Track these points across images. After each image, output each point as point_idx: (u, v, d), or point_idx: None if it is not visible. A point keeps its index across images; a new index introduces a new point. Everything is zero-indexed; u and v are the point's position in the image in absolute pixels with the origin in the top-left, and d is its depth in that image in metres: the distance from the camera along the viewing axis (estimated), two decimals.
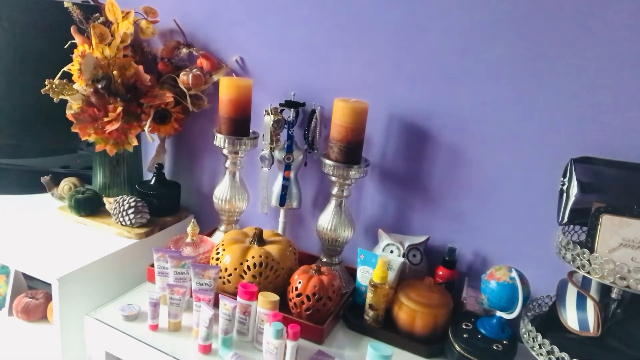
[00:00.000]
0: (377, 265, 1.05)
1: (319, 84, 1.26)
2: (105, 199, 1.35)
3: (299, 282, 1.02)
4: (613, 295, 0.86)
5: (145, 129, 1.28)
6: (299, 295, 1.02)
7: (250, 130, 1.27)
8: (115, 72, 1.25)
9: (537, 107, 1.04)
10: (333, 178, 1.14)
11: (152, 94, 1.29)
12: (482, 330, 0.98)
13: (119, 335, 1.01)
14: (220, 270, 1.08)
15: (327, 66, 1.24)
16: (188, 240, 1.18)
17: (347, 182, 1.14)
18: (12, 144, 1.45)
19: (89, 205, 1.33)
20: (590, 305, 0.86)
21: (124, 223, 1.29)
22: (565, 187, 0.91)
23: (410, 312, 1.02)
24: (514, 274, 0.94)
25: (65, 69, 1.24)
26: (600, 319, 0.84)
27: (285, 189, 1.26)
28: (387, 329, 1.06)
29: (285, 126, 1.23)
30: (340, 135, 1.10)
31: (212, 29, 1.37)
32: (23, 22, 1.32)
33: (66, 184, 1.44)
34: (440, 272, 1.15)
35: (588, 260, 0.79)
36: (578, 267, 0.81)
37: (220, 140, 1.23)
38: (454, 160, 1.15)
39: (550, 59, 1.00)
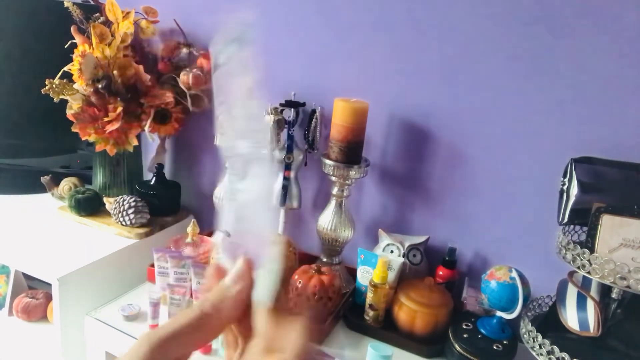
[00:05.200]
0: (377, 265, 1.05)
1: (319, 84, 1.26)
2: (105, 199, 1.35)
3: (299, 282, 1.02)
4: (613, 295, 0.86)
5: (146, 129, 1.28)
6: (299, 295, 1.02)
7: None
8: (115, 72, 1.25)
9: (537, 107, 1.04)
10: (333, 178, 1.14)
11: (152, 94, 1.29)
12: (482, 330, 0.98)
13: (119, 335, 1.01)
14: None
15: (327, 66, 1.24)
16: (188, 240, 1.17)
17: (347, 182, 1.14)
18: (12, 144, 1.45)
19: (89, 205, 1.33)
20: (590, 305, 0.86)
21: (124, 223, 1.29)
22: (565, 187, 0.91)
23: (411, 312, 1.02)
24: (514, 274, 0.94)
25: (65, 69, 1.24)
26: (601, 319, 0.84)
27: (285, 189, 1.26)
28: (387, 329, 1.06)
29: (286, 126, 1.23)
30: (340, 135, 1.10)
31: (212, 28, 1.37)
32: (23, 22, 1.32)
33: (66, 184, 1.44)
34: (441, 272, 1.15)
35: (588, 260, 0.79)
36: (578, 267, 0.81)
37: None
38: (454, 160, 1.15)
39: (550, 58, 1.00)
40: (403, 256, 1.13)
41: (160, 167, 1.40)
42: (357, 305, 1.13)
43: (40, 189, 1.47)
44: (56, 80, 1.20)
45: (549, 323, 0.91)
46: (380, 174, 1.25)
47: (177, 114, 1.37)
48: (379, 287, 1.04)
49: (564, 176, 0.92)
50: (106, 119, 1.23)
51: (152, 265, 1.12)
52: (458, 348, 0.96)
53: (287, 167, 1.25)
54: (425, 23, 1.10)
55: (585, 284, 0.90)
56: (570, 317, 0.87)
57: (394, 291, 1.08)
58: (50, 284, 1.07)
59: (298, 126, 1.28)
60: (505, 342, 0.96)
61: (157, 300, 1.01)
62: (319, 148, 1.27)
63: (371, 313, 1.06)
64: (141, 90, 1.29)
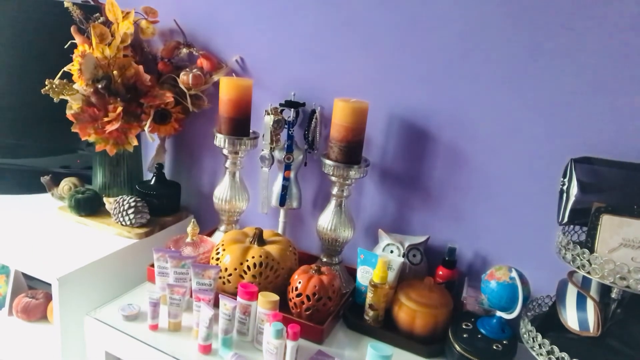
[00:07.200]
0: (377, 265, 1.05)
1: (319, 84, 1.26)
2: (105, 199, 1.35)
3: (299, 282, 1.02)
4: (613, 295, 0.86)
5: (145, 129, 1.28)
6: (299, 295, 1.02)
7: (251, 130, 1.27)
8: (115, 72, 1.25)
9: (537, 107, 1.04)
10: (333, 178, 1.14)
11: (152, 94, 1.29)
12: (482, 330, 0.98)
13: (119, 335, 1.01)
14: (220, 270, 1.08)
15: (327, 66, 1.24)
16: (188, 240, 1.17)
17: (347, 182, 1.14)
18: (12, 144, 1.45)
19: (89, 205, 1.33)
20: (590, 305, 0.86)
21: (124, 223, 1.29)
22: (565, 187, 0.91)
23: (410, 312, 1.02)
24: (514, 274, 0.94)
25: (65, 69, 1.24)
26: (600, 319, 0.84)
27: (285, 189, 1.26)
28: (387, 329, 1.06)
29: (286, 126, 1.23)
30: (340, 135, 1.10)
31: (212, 29, 1.37)
32: (23, 22, 1.32)
33: (66, 184, 1.44)
34: (440, 272, 1.15)
35: (588, 260, 0.79)
36: (578, 267, 0.81)
37: (220, 140, 1.23)
38: (454, 160, 1.15)
39: (550, 58, 1.00)
40: (403, 256, 1.13)
41: (160, 167, 1.40)
42: (357, 305, 1.13)
43: (40, 189, 1.47)
44: (56, 80, 1.20)
45: (549, 323, 0.91)
46: (380, 174, 1.25)
47: (177, 114, 1.37)
48: (379, 287, 1.04)
49: (564, 176, 0.92)
50: (106, 119, 1.23)
51: (152, 265, 1.13)
52: (458, 348, 0.96)
53: (287, 167, 1.25)
54: (425, 23, 1.10)
55: (585, 284, 0.90)
56: (570, 317, 0.88)
57: (393, 291, 1.08)
58: (50, 284, 1.07)
59: (298, 126, 1.28)
60: (505, 342, 0.96)
61: (156, 300, 1.01)
62: (319, 148, 1.27)
63: (371, 313, 1.06)
64: (141, 90, 1.29)
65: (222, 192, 1.29)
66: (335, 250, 1.21)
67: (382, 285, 1.04)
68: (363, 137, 1.13)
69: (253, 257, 1.07)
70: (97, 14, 1.31)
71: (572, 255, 0.82)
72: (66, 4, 1.26)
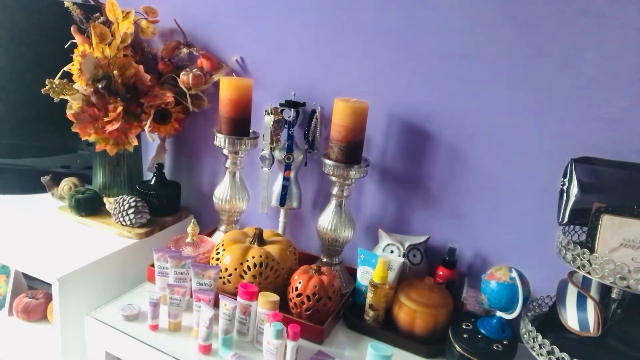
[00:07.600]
0: (377, 265, 1.05)
1: (319, 84, 1.26)
2: (105, 199, 1.35)
3: (299, 282, 1.02)
4: (613, 296, 0.86)
5: (146, 128, 1.28)
6: (299, 295, 1.02)
7: (251, 130, 1.27)
8: (115, 72, 1.25)
9: (537, 107, 1.04)
10: (333, 178, 1.14)
11: (152, 94, 1.29)
12: (482, 330, 0.98)
13: (119, 335, 1.01)
14: (220, 270, 1.08)
15: (327, 66, 1.24)
16: (188, 240, 1.17)
17: (347, 182, 1.14)
18: (12, 144, 1.45)
19: (89, 205, 1.33)
20: (590, 305, 0.86)
21: (124, 223, 1.29)
22: (565, 187, 0.91)
23: (410, 312, 1.02)
24: (514, 274, 0.94)
25: (65, 68, 1.24)
26: (601, 319, 0.84)
27: (285, 189, 1.26)
28: (387, 329, 1.06)
29: (286, 126, 1.23)
30: (340, 135, 1.10)
31: (212, 28, 1.37)
32: (23, 22, 1.32)
33: (66, 184, 1.44)
34: (441, 272, 1.15)
35: (588, 261, 0.79)
36: (578, 267, 0.81)
37: (220, 140, 1.23)
38: (454, 160, 1.15)
39: (550, 58, 1.00)
40: (403, 256, 1.13)
41: (160, 167, 1.40)
42: (357, 305, 1.13)
43: (40, 189, 1.47)
44: (56, 80, 1.20)
45: (549, 323, 0.91)
46: (380, 174, 1.25)
47: (177, 114, 1.37)
48: (379, 287, 1.04)
49: (564, 176, 0.92)
50: (106, 119, 1.23)
51: (152, 265, 1.13)
52: (458, 348, 0.96)
53: (287, 167, 1.25)
54: (425, 24, 1.10)
55: (585, 284, 0.90)
56: (570, 317, 0.87)
57: (394, 291, 1.08)
58: (50, 284, 1.07)
59: (298, 126, 1.28)
60: (505, 342, 0.96)
61: (157, 300, 1.01)
62: (319, 148, 1.27)
63: (371, 313, 1.06)
64: (141, 90, 1.29)
65: (222, 192, 1.29)
66: (335, 250, 1.21)
67: (382, 286, 1.04)
68: (363, 137, 1.13)
69: (253, 257, 1.07)
70: (97, 14, 1.31)
71: (572, 255, 0.82)
72: (66, 4, 1.26)
